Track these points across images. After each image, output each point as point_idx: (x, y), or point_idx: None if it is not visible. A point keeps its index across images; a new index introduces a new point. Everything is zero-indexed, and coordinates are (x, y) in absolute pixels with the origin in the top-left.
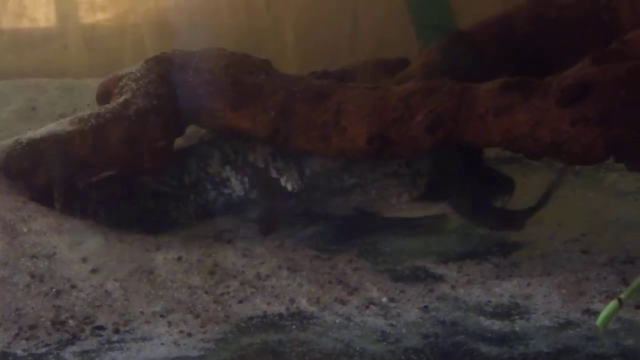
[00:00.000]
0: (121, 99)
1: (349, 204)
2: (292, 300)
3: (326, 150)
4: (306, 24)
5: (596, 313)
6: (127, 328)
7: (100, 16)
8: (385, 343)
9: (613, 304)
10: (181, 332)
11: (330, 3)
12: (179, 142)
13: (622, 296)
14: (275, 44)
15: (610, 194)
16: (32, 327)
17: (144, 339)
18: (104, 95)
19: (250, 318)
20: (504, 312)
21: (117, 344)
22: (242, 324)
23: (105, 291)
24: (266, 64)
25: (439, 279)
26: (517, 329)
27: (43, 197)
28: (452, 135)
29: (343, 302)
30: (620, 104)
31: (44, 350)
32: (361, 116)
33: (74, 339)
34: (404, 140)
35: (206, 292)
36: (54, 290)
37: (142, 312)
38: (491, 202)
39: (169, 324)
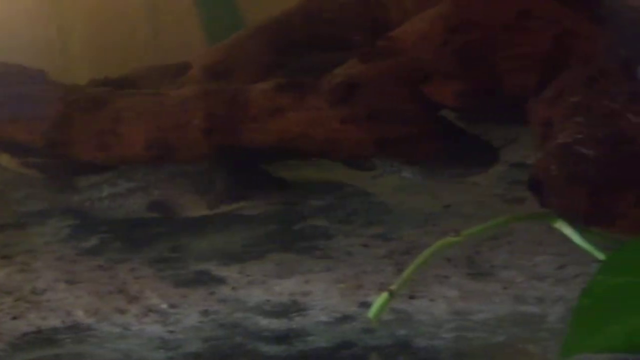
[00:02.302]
0: None
1: (130, 208)
2: (68, 313)
3: (107, 159)
4: (95, 31)
5: (371, 305)
6: None
7: None
8: (164, 350)
9: (384, 296)
10: None
11: (122, 7)
12: None
13: (393, 287)
14: (63, 53)
15: (392, 186)
16: None
17: None
18: None
19: (24, 334)
20: (283, 311)
21: None
22: (16, 341)
23: None
24: (41, 74)
25: (221, 281)
26: (294, 326)
27: None
28: (229, 138)
29: (122, 312)
30: (386, 101)
31: None
32: (139, 122)
33: None
34: (183, 145)
35: None
36: None
37: None
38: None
39: None
